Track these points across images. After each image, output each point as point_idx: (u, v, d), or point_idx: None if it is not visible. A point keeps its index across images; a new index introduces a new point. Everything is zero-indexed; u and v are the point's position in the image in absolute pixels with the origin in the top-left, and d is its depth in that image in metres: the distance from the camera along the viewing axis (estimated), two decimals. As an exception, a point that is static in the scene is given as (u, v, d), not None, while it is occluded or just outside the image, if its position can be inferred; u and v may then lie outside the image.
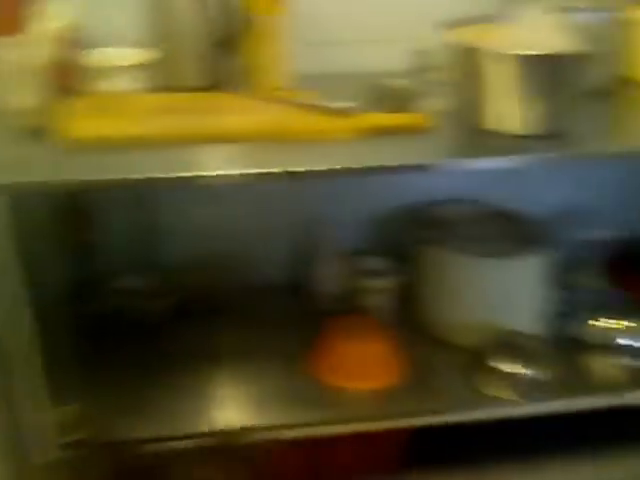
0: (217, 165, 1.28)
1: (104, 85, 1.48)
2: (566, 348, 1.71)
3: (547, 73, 1.34)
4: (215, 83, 1.53)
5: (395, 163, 1.32)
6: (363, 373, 1.63)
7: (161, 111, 1.41)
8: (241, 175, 1.27)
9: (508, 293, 1.69)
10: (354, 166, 1.30)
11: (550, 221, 1.82)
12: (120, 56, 1.51)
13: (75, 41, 1.48)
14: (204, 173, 1.25)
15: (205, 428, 1.50)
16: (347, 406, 1.57)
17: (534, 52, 1.32)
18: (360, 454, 1.65)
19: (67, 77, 1.45)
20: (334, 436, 1.55)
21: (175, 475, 1.49)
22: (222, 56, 1.53)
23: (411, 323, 1.78)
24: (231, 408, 1.55)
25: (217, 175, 1.26)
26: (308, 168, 1.27)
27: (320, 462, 1.65)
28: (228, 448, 1.50)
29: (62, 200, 1.70)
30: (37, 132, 1.31)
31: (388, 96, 1.46)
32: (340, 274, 1.79)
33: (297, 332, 1.74)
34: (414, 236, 1.75)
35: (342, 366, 1.63)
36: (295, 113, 1.42)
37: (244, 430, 1.50)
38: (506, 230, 1.77)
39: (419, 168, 1.40)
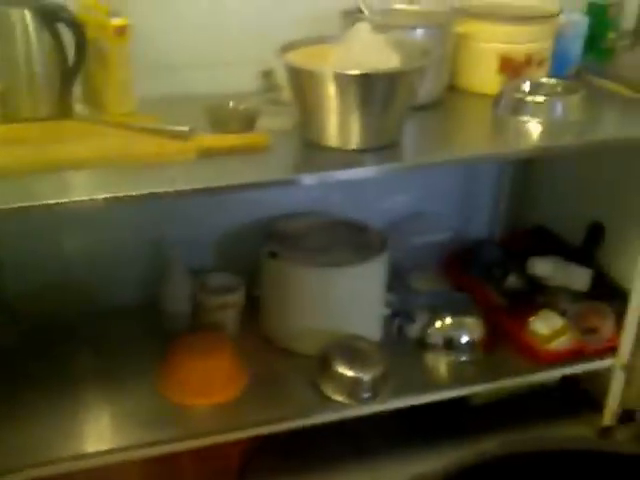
0: (59, 193, 1.26)
1: None
2: (405, 349, 1.80)
3: (373, 90, 1.38)
4: (62, 111, 1.50)
5: (233, 182, 1.34)
6: (207, 389, 1.64)
7: (5, 142, 1.38)
8: (84, 201, 1.26)
9: (349, 300, 1.74)
10: (193, 187, 1.31)
11: (389, 228, 1.90)
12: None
13: None
14: (44, 202, 1.23)
15: (55, 455, 1.48)
16: (191, 423, 1.59)
17: (358, 71, 1.35)
18: (204, 468, 1.68)
19: None
20: (178, 453, 1.56)
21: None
22: (68, 85, 1.50)
23: (259, 336, 1.81)
24: (83, 433, 1.54)
25: (58, 203, 1.24)
26: (148, 191, 1.28)
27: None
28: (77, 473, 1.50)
29: None
30: None
31: (229, 117, 1.48)
32: (189, 292, 1.79)
33: (148, 353, 1.73)
34: (260, 250, 1.78)
35: (187, 383, 1.64)
36: (138, 137, 1.42)
37: (91, 454, 1.50)
38: (346, 239, 1.82)
39: (256, 186, 1.41)
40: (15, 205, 1.22)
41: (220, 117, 1.48)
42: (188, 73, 1.68)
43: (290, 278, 1.74)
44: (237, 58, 1.69)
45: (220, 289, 1.80)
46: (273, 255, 1.74)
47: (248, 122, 1.48)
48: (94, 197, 1.26)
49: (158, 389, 1.64)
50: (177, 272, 1.77)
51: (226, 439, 1.59)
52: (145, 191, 1.28)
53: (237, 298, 1.80)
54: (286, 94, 1.52)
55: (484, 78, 1.71)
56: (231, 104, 1.51)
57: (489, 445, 1.03)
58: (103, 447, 1.52)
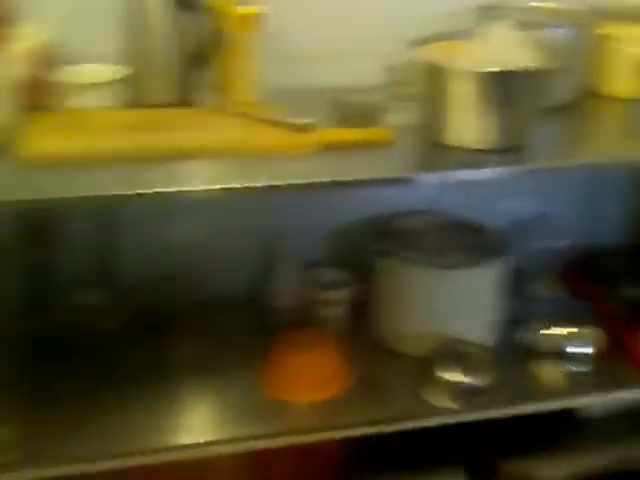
0: (176, 181, 1.26)
1: (75, 102, 1.46)
2: (516, 356, 1.73)
3: (507, 89, 1.34)
4: (185, 99, 1.51)
5: (354, 177, 1.32)
6: (309, 385, 1.61)
7: (128, 128, 1.39)
8: (201, 191, 1.25)
9: (461, 303, 1.68)
10: (313, 181, 1.29)
11: (507, 231, 1.82)
12: (92, 73, 1.48)
13: (48, 59, 1.46)
14: (161, 190, 1.23)
15: (151, 445, 1.47)
16: (290, 419, 1.56)
17: (494, 69, 1.31)
18: (302, 465, 1.67)
19: (38, 95, 1.44)
20: (276, 449, 1.54)
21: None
22: (193, 72, 1.51)
23: (365, 334, 1.77)
24: (181, 424, 1.53)
25: (175, 191, 1.24)
26: (269, 183, 1.27)
27: (262, 476, 1.66)
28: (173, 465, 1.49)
29: (20, 216, 1.66)
30: (2, 149, 1.30)
31: (353, 111, 1.45)
32: (297, 287, 1.77)
33: (253, 346, 1.71)
34: (372, 248, 1.73)
35: (288, 379, 1.61)
36: (260, 128, 1.41)
37: (189, 446, 1.49)
38: (463, 241, 1.76)
39: (376, 183, 1.39)
40: (130, 192, 1.23)
41: (343, 110, 1.45)
42: (313, 65, 1.66)
43: (401, 278, 1.69)
44: (364, 51, 1.65)
45: (329, 285, 1.77)
46: (385, 253, 1.70)
47: (371, 117, 1.45)
48: (212, 187, 1.25)
49: (259, 383, 1.62)
50: (286, 266, 1.75)
51: (325, 437, 1.57)
52: (264, 183, 1.26)
53: (345, 295, 1.77)
54: (411, 89, 1.47)
55: (623, 82, 1.63)
56: (355, 98, 1.48)
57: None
58: (199, 439, 1.50)
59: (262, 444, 1.52)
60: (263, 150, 1.35)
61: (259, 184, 1.26)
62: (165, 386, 1.60)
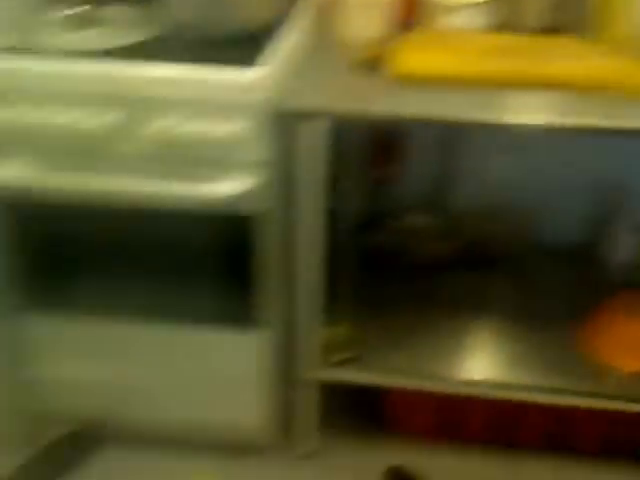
0: (527, 112, 1.23)
1: (444, 21, 1.47)
2: None
3: None
4: (558, 25, 1.45)
5: None
6: (637, 354, 1.52)
7: (492, 52, 1.37)
8: (546, 126, 1.21)
9: None
10: None
11: None
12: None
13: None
14: (509, 120, 1.21)
15: (454, 375, 1.50)
16: (607, 383, 1.48)
17: None
18: (607, 431, 1.59)
19: (409, 12, 1.47)
20: (584, 410, 1.49)
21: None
22: None
23: None
24: (485, 360, 1.53)
25: (521, 124, 1.21)
26: (618, 125, 1.19)
27: (564, 433, 1.60)
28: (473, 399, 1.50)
29: (371, 132, 1.72)
30: (372, 64, 1.34)
31: None
32: (635, 246, 1.67)
33: (576, 300, 1.65)
34: None
35: (615, 343, 1.53)
36: (632, 65, 1.31)
37: (493, 385, 1.48)
38: None
39: None
40: (482, 119, 1.21)
41: None
42: None
43: None
44: None
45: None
46: None
47: None
48: (555, 123, 1.20)
49: (576, 339, 1.56)
50: (626, 222, 1.66)
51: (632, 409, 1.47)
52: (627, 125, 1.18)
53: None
54: None
55: None
56: None
57: None
58: (504, 380, 1.49)
59: (568, 401, 1.47)
60: (629, 90, 1.26)
61: (609, 125, 1.19)
62: (478, 319, 1.62)
